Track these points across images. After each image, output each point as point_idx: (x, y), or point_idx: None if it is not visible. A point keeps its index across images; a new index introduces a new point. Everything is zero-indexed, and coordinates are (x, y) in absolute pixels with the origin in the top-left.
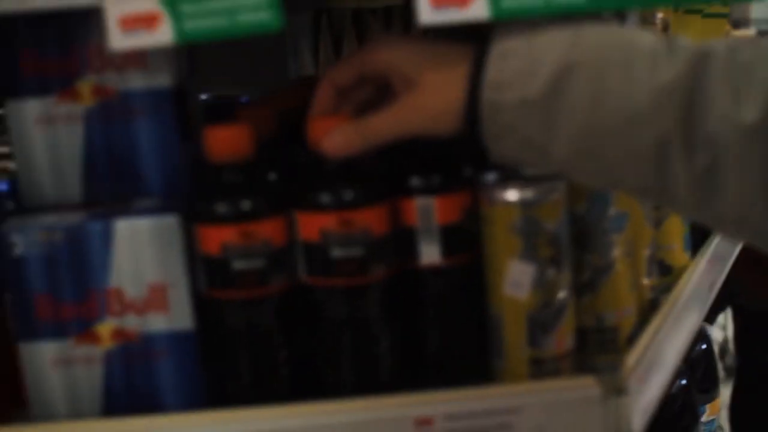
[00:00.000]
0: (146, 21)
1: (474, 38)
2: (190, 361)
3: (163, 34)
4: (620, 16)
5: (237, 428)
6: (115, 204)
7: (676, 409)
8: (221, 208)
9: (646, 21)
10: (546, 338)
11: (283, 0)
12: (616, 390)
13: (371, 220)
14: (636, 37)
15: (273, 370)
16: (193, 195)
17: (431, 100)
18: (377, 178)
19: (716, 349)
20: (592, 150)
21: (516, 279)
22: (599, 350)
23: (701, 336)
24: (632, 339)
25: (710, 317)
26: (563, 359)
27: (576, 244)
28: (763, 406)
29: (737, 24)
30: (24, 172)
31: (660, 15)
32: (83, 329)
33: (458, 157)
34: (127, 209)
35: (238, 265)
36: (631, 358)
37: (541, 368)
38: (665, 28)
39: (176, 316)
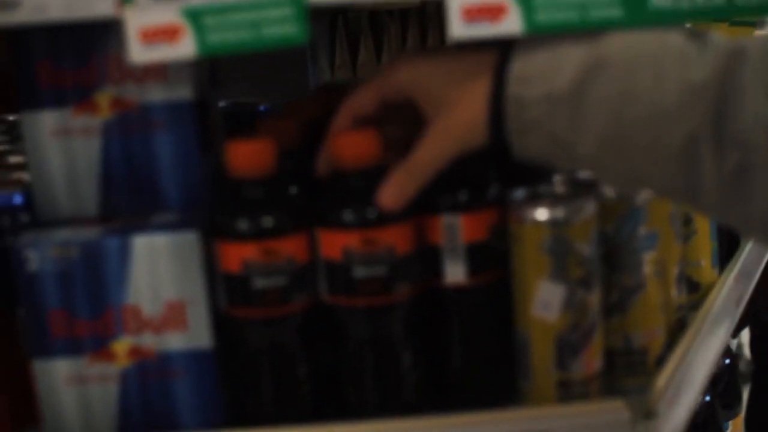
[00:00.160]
0: (168, 33)
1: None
2: (209, 380)
3: (186, 47)
4: None
5: None
6: (132, 218)
7: (699, 425)
8: (243, 224)
9: None
10: (574, 360)
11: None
12: (646, 413)
13: (395, 238)
14: (666, 35)
15: (294, 390)
16: (214, 210)
17: (460, 114)
18: None
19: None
20: (619, 147)
21: (545, 300)
22: (627, 372)
23: (725, 351)
24: (661, 360)
25: (734, 332)
26: (591, 382)
27: (605, 263)
28: None
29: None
30: (39, 185)
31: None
32: (99, 347)
33: (485, 174)
34: (145, 224)
35: (260, 282)
36: (661, 380)
37: (568, 391)
38: None
39: (195, 334)
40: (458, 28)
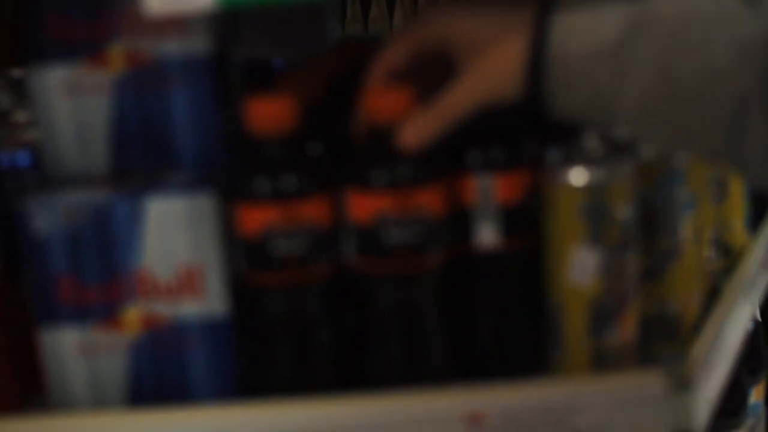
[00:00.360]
0: None
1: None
2: (225, 349)
3: None
4: None
5: (273, 422)
6: (145, 178)
7: (723, 392)
8: (263, 185)
9: None
10: (609, 328)
11: None
12: (683, 384)
13: (430, 200)
14: None
15: (314, 360)
16: (232, 171)
17: (495, 61)
18: (433, 154)
19: None
20: (663, 107)
21: (580, 266)
22: (662, 340)
23: None
24: (696, 328)
25: None
26: (626, 350)
27: (642, 226)
28: None
29: None
30: (47, 144)
31: None
32: (108, 315)
33: (519, 134)
34: (158, 184)
35: (281, 247)
36: (697, 349)
37: (602, 360)
38: None
39: (210, 302)
40: None
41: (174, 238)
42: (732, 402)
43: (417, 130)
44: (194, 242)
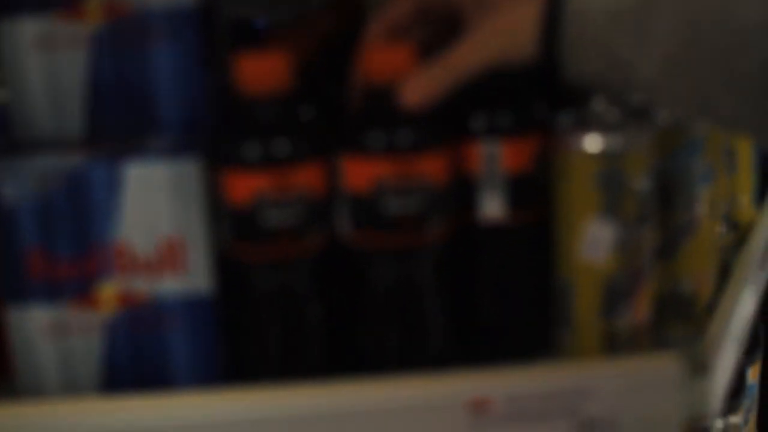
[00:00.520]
0: None
1: None
2: (209, 330)
3: None
4: None
5: (261, 410)
6: (124, 142)
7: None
8: (252, 150)
9: None
10: (623, 308)
11: None
12: (700, 368)
13: (432, 167)
14: None
15: (305, 342)
16: (219, 134)
17: (508, 18)
18: (436, 117)
19: None
20: (686, 71)
21: (594, 240)
22: (675, 321)
23: None
24: (710, 308)
25: None
26: (640, 332)
27: (657, 199)
28: None
29: None
30: (17, 103)
31: None
32: (82, 291)
33: (528, 98)
34: (138, 149)
35: (271, 218)
36: (712, 330)
37: (614, 343)
38: None
39: (194, 277)
40: None
41: (155, 208)
42: (732, 384)
43: (420, 88)
44: (177, 212)
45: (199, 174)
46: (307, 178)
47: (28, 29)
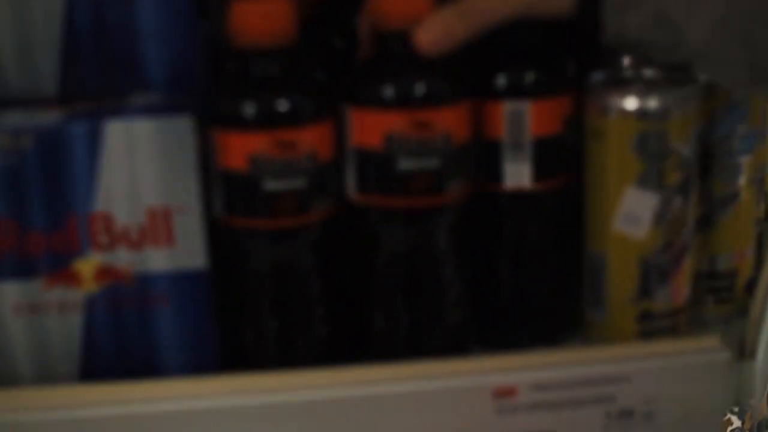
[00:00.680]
0: None
1: None
2: (200, 309)
3: None
4: None
5: (260, 399)
6: (104, 99)
7: None
8: (250, 108)
9: None
10: (662, 287)
11: None
12: (745, 352)
13: (451, 122)
14: None
15: (309, 321)
16: (211, 91)
17: None
18: (455, 70)
19: None
20: (740, 35)
21: (632, 211)
22: (712, 300)
23: None
24: (750, 285)
25: None
26: (679, 313)
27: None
28: None
29: None
30: None
31: None
32: (58, 266)
33: (559, 55)
34: (120, 107)
35: (272, 184)
36: (754, 310)
37: (652, 324)
38: None
39: (183, 251)
40: None
41: (139, 172)
42: None
43: (437, 30)
44: (164, 177)
45: (189, 134)
46: (312, 139)
47: None
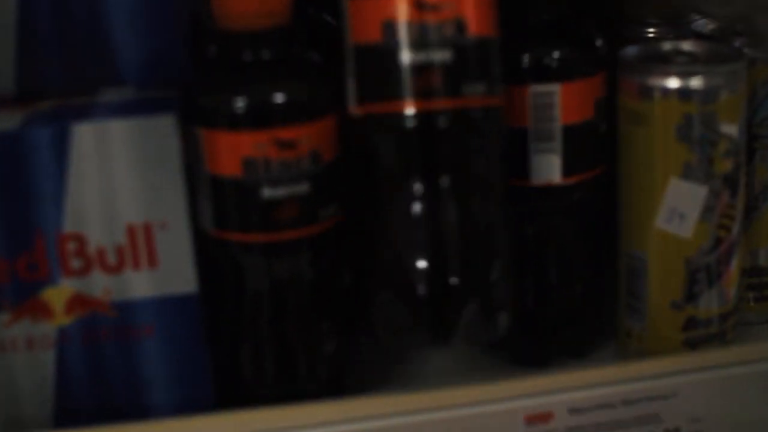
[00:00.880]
0: None
1: None
2: (191, 340)
3: None
4: None
5: None
6: (69, 97)
7: None
8: (242, 102)
9: None
10: (710, 290)
11: None
12: None
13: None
14: None
15: (317, 349)
16: (195, 82)
17: None
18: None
19: None
20: None
21: (677, 206)
22: (752, 297)
23: None
24: None
25: None
26: (728, 318)
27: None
28: None
29: None
30: None
31: None
32: (24, 297)
33: (583, 25)
34: (89, 105)
35: (270, 191)
36: None
37: (698, 332)
38: None
39: (169, 274)
40: None
41: (115, 183)
42: None
43: None
44: (144, 188)
45: (172, 135)
46: (314, 137)
47: None
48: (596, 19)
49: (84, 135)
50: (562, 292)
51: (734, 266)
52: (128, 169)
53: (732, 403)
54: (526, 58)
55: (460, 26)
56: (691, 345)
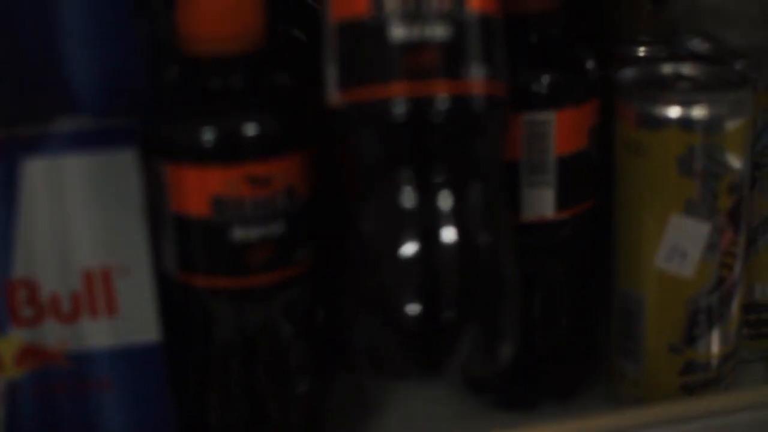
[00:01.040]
0: None
1: None
2: (153, 394)
3: None
4: None
5: None
6: (17, 128)
7: None
8: (210, 135)
9: None
10: (710, 333)
11: None
12: None
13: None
14: None
15: (290, 403)
16: (158, 112)
17: None
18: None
19: None
20: None
21: (678, 244)
22: (749, 335)
23: None
24: None
25: None
26: (727, 361)
27: None
28: None
29: None
30: None
31: None
32: None
33: (576, 46)
34: (40, 138)
35: (242, 232)
36: None
37: (697, 376)
38: None
39: (129, 322)
40: None
41: (69, 224)
42: None
43: None
44: (102, 229)
45: (132, 171)
46: (289, 172)
47: None
48: (585, 37)
49: (35, 172)
50: (551, 331)
51: (735, 306)
52: (84, 208)
53: None
54: (518, 85)
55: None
56: (689, 390)
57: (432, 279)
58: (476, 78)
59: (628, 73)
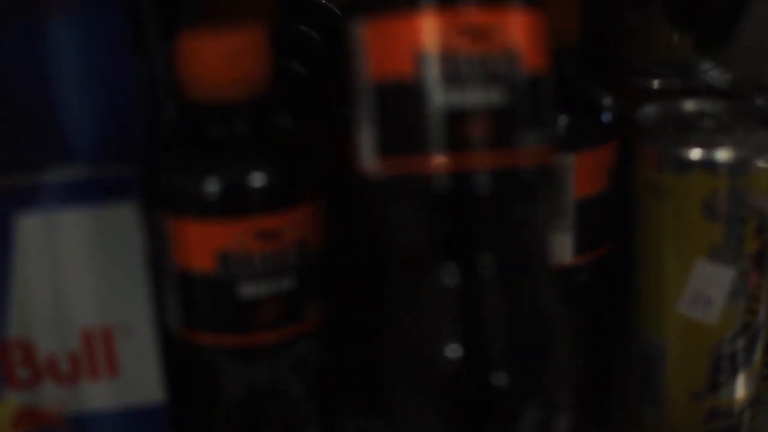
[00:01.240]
0: None
1: None
2: None
3: None
4: None
5: None
6: (8, 178)
7: None
8: (216, 186)
9: None
10: (734, 380)
11: None
12: None
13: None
14: None
15: None
16: (159, 161)
17: None
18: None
19: None
20: None
21: (702, 290)
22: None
23: None
24: None
25: None
26: (751, 407)
27: None
28: None
29: None
30: None
31: None
32: None
33: (593, 85)
34: (34, 190)
35: (250, 289)
36: None
37: (720, 423)
38: None
39: (132, 383)
40: None
41: (66, 282)
42: None
43: None
44: (101, 287)
45: (133, 225)
46: (299, 225)
47: None
48: (597, 67)
49: (29, 226)
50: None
51: (759, 350)
52: (82, 264)
53: None
54: None
55: (512, 59)
56: None
57: (479, 348)
58: (527, 147)
59: (648, 112)
